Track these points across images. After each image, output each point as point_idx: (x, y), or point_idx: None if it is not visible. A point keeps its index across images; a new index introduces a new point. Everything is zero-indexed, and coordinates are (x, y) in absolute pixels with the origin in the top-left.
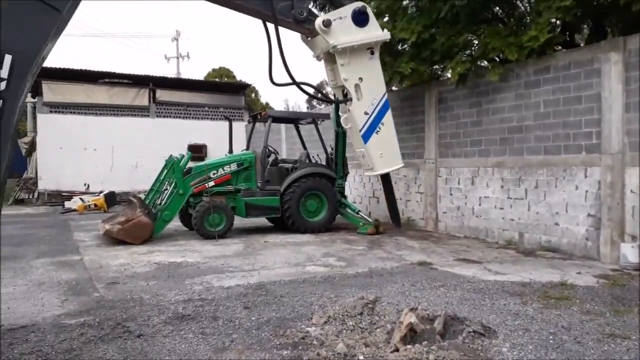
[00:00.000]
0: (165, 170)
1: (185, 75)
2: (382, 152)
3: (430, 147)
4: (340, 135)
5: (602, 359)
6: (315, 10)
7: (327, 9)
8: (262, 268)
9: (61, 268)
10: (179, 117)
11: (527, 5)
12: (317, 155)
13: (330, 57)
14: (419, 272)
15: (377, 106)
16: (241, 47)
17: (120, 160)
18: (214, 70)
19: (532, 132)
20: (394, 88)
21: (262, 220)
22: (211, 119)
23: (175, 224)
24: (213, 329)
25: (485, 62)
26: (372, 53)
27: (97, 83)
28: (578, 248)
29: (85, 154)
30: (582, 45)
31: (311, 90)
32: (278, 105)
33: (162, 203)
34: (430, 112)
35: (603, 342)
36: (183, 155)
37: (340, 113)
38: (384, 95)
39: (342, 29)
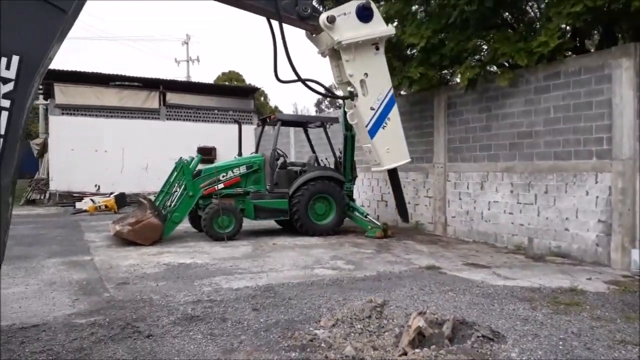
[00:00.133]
0: (175, 173)
1: (195, 78)
2: (389, 147)
3: (439, 151)
4: (349, 139)
5: None
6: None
7: (325, 7)
8: (270, 270)
9: (72, 268)
10: (189, 119)
11: (537, 10)
12: (326, 159)
13: (335, 53)
14: (428, 276)
15: (383, 101)
16: (251, 51)
17: (131, 162)
18: (223, 73)
19: (542, 137)
20: (402, 92)
21: (270, 223)
22: (221, 122)
23: (185, 225)
24: (222, 330)
25: (495, 68)
26: (377, 48)
27: (109, 86)
28: (588, 254)
29: (96, 156)
30: (592, 51)
31: (316, 87)
32: (287, 109)
33: (172, 205)
34: (439, 117)
35: (614, 349)
36: (193, 158)
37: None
38: (389, 91)
39: (346, 25)
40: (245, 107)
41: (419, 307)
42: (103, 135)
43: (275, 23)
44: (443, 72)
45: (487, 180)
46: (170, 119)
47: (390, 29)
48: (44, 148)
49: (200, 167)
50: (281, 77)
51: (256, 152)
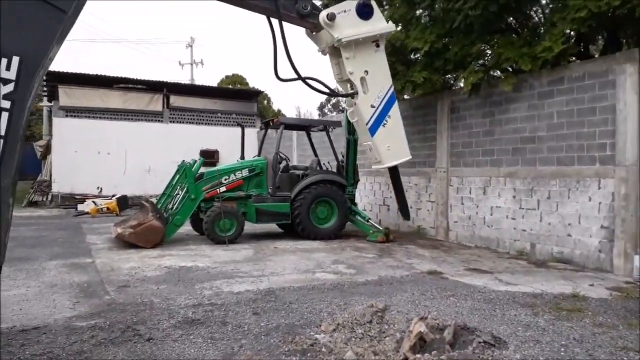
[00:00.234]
0: (178, 175)
1: (199, 81)
2: (390, 144)
3: (442, 156)
4: (352, 143)
5: None
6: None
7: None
8: (271, 274)
9: (73, 270)
10: (192, 122)
11: (541, 16)
12: (328, 163)
13: (335, 51)
14: (429, 281)
15: (383, 99)
16: (254, 54)
17: (133, 165)
18: (227, 77)
19: (545, 142)
20: (406, 97)
21: (272, 226)
22: (224, 125)
23: (186, 228)
24: (222, 334)
25: (499, 72)
26: (378, 46)
27: (112, 88)
28: (591, 260)
29: (99, 158)
30: (596, 56)
31: (316, 84)
32: (290, 112)
33: (174, 207)
34: (442, 121)
35: (616, 355)
36: (195, 161)
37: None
38: (390, 88)
39: (346, 22)
40: (248, 111)
41: (420, 312)
42: (106, 137)
43: (275, 21)
44: (446, 76)
45: (489, 185)
46: (173, 122)
47: (390, 26)
48: (47, 150)
49: (202, 170)
50: (281, 76)
51: (259, 155)
